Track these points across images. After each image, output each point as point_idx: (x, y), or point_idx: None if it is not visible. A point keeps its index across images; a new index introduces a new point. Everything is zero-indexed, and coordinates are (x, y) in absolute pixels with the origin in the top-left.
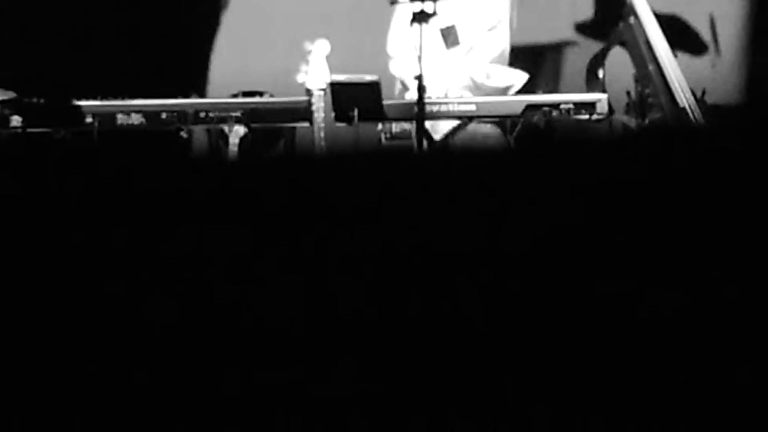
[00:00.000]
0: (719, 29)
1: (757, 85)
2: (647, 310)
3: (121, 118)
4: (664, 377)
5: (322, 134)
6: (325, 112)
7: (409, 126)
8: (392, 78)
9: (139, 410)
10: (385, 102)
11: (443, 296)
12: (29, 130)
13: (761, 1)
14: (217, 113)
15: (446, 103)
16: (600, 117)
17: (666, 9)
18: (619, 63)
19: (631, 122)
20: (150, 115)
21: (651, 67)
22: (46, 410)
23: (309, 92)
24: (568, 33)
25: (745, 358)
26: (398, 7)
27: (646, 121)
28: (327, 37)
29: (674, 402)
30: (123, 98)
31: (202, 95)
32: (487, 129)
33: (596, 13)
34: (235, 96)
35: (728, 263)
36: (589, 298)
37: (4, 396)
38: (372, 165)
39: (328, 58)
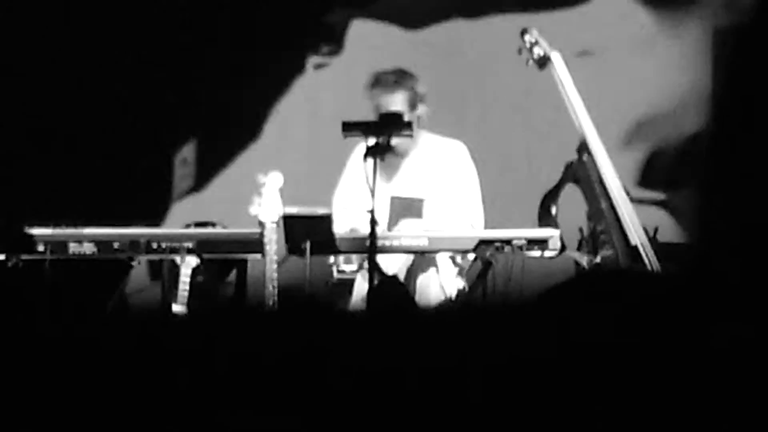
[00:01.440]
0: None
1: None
2: None
3: (73, 247)
4: None
5: (274, 266)
6: (277, 244)
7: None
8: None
9: None
10: (337, 235)
11: None
12: None
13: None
14: (169, 243)
15: (398, 237)
16: (552, 254)
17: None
18: (571, 199)
19: (583, 259)
20: (102, 244)
21: (603, 204)
22: None
23: (262, 224)
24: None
25: None
26: (348, 165)
27: (598, 258)
28: (280, 169)
29: None
30: (75, 226)
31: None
32: None
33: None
34: (187, 226)
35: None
36: None
37: None
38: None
39: (281, 190)
